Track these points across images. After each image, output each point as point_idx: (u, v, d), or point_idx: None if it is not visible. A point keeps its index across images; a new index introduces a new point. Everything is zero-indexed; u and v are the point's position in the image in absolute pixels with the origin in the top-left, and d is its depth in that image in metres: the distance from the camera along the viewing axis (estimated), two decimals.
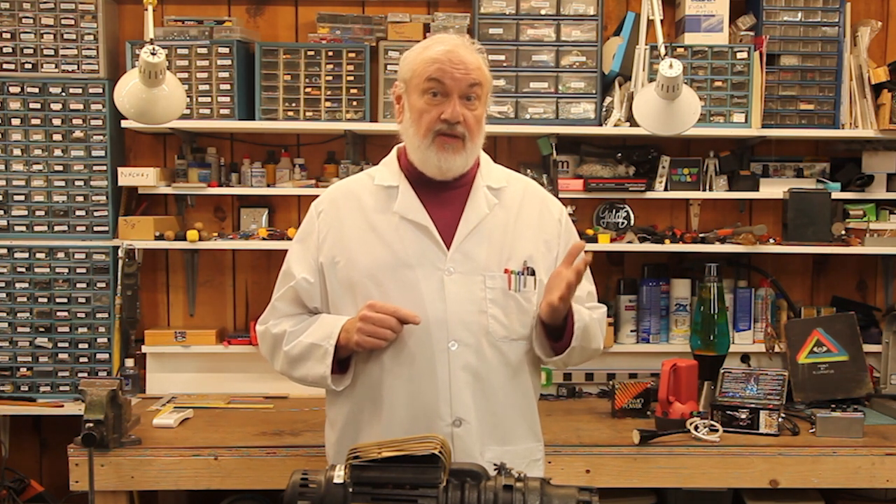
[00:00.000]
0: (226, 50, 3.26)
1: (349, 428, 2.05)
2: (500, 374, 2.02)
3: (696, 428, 2.77)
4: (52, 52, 3.31)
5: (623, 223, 3.47)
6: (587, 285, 2.18)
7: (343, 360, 2.01)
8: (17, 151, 3.34)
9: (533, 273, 2.05)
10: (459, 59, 1.95)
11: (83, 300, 3.36)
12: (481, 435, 2.00)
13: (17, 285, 3.35)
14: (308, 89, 3.28)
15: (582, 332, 2.04)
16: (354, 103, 3.28)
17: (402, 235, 2.01)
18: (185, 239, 3.28)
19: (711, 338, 3.11)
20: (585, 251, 1.97)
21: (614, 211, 3.48)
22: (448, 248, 2.00)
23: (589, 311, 2.11)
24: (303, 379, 2.05)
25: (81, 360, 3.37)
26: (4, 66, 3.32)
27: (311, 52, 3.27)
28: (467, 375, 1.98)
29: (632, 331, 3.45)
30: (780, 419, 2.85)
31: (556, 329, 2.03)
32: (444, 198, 2.04)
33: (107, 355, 3.37)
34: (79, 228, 3.36)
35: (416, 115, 1.98)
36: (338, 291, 2.04)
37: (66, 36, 3.31)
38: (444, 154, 1.97)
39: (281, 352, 2.06)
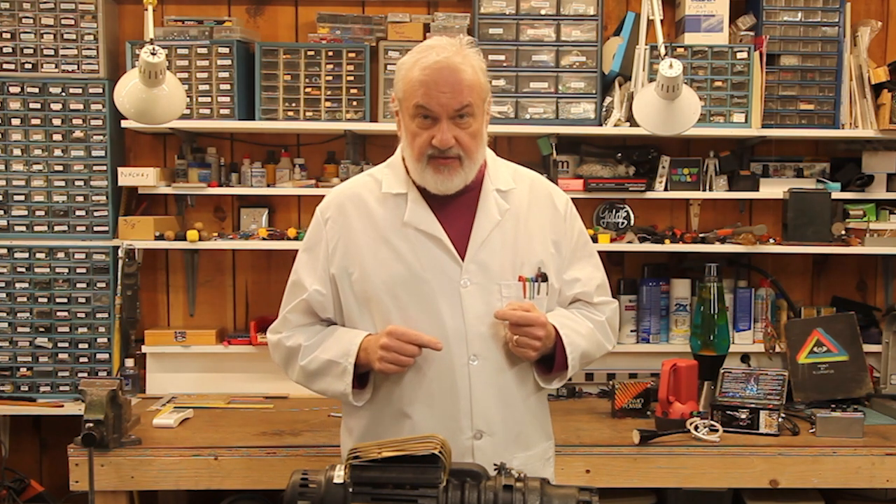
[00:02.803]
0: (226, 50, 3.26)
1: (368, 439, 2.03)
2: (520, 384, 2.02)
3: (696, 428, 2.77)
4: (52, 52, 3.31)
5: (623, 223, 3.47)
6: (597, 277, 2.15)
7: (362, 375, 1.99)
8: (17, 151, 3.34)
9: (546, 279, 2.03)
10: (445, 81, 1.86)
11: (83, 300, 3.36)
12: (506, 445, 1.99)
13: (17, 285, 3.35)
14: (308, 89, 3.28)
15: (579, 360, 2.02)
16: (354, 103, 3.28)
17: (415, 248, 1.97)
18: (185, 239, 3.28)
19: (711, 338, 3.11)
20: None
21: (614, 211, 3.48)
22: (462, 259, 1.97)
23: (589, 324, 2.08)
24: (322, 392, 2.04)
25: (81, 360, 3.36)
26: (4, 66, 3.32)
27: (311, 52, 3.27)
28: (489, 389, 1.97)
29: (632, 331, 3.45)
30: (780, 419, 2.85)
31: (546, 357, 2.01)
32: (453, 205, 2.00)
33: (107, 355, 3.37)
34: (79, 228, 3.36)
35: (410, 138, 1.95)
36: (353, 305, 2.01)
37: (66, 36, 3.31)
38: (439, 176, 1.93)
39: (297, 365, 2.03)
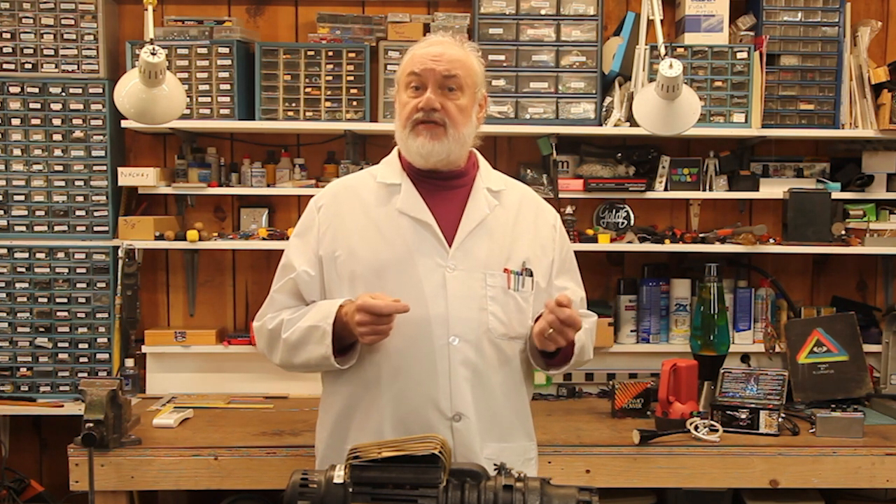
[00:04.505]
0: (226, 50, 3.26)
1: (343, 422, 2.05)
2: (498, 371, 2.04)
3: (696, 428, 2.77)
4: (52, 52, 3.31)
5: (623, 223, 3.47)
6: (578, 291, 2.20)
7: (349, 346, 2.00)
8: (17, 151, 3.34)
9: (531, 274, 2.07)
10: (438, 52, 2.00)
11: (83, 300, 3.36)
12: (480, 431, 2.01)
13: (17, 285, 3.35)
14: (308, 89, 3.28)
15: (579, 351, 2.06)
16: (354, 103, 3.28)
17: (403, 231, 2.02)
18: (185, 239, 3.28)
19: (711, 338, 3.11)
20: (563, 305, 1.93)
21: (614, 211, 3.48)
22: (450, 246, 2.01)
23: (585, 326, 2.10)
24: (305, 364, 2.02)
25: (81, 360, 3.36)
26: (4, 66, 3.32)
27: (311, 52, 3.27)
28: (466, 371, 1.99)
29: (632, 331, 3.45)
30: (780, 419, 2.85)
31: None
32: (445, 196, 2.06)
33: (107, 355, 3.37)
34: (79, 228, 3.36)
35: (400, 109, 2.04)
36: (336, 285, 2.04)
37: (66, 36, 3.31)
38: (420, 139, 1.99)
39: (280, 341, 2.04)
